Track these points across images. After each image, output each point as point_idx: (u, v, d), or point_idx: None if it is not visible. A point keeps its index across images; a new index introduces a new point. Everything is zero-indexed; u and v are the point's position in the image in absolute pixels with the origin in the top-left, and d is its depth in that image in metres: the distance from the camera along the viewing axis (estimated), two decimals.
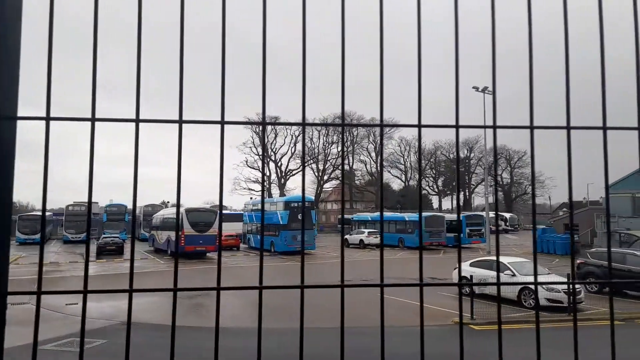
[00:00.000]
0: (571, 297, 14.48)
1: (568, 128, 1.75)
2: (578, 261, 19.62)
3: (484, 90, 33.84)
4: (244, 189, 74.27)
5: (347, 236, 42.87)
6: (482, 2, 1.79)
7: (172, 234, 32.88)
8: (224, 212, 43.96)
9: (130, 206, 52.99)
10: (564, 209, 54.40)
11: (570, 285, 14.26)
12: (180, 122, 1.31)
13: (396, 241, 40.59)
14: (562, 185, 76.40)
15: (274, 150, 77.14)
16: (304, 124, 1.46)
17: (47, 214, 49.82)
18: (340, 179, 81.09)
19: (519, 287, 15.47)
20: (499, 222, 65.39)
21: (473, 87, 34.35)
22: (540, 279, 14.97)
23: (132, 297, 1.22)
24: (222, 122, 1.38)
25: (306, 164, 78.23)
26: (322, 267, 26.90)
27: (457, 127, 1.73)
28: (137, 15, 1.24)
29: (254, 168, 75.47)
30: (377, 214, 49.49)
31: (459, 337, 1.49)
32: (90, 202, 1.08)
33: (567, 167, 1.90)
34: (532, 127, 1.71)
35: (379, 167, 78.76)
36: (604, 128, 1.77)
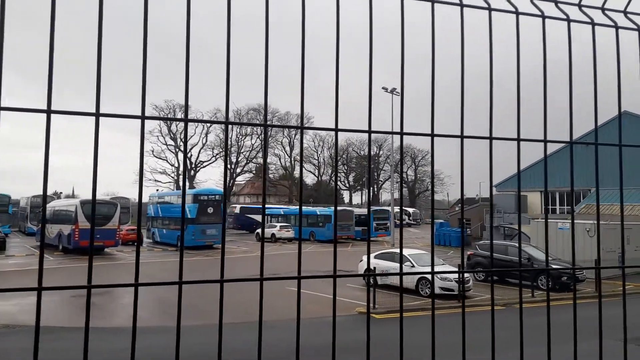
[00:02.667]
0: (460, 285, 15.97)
1: (462, 137, 1.97)
2: (468, 252, 21.69)
3: (392, 91, 35.65)
4: (150, 180, 70.26)
5: (259, 230, 42.64)
6: (400, 7, 1.92)
7: (64, 228, 30.02)
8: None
9: (14, 197, 47.22)
10: (460, 205, 59.72)
11: (460, 275, 15.70)
12: (98, 115, 1.25)
13: (307, 235, 41.32)
14: (459, 183, 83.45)
15: (183, 140, 73.83)
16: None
17: None
18: (253, 172, 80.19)
19: (417, 277, 16.70)
20: (403, 217, 69.28)
21: (382, 88, 36.01)
22: (436, 269, 16.30)
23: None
24: (143, 117, 1.33)
25: (218, 156, 76.16)
26: (231, 262, 26.49)
27: (369, 132, 1.86)
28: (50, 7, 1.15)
29: (160, 158, 71.64)
30: (290, 207, 49.88)
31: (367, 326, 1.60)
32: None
33: (459, 169, 2.13)
34: (432, 135, 1.89)
35: (293, 162, 79.25)
36: (490, 138, 2.01)
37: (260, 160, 79.30)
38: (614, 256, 19.80)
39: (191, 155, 74.65)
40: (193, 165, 74.72)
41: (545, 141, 2.20)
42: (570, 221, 23.39)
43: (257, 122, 71.44)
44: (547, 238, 1.89)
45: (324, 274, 1.58)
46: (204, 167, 75.33)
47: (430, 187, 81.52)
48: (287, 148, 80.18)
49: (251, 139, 76.56)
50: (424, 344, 4.00)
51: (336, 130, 1.75)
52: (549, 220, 24.26)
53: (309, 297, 13.03)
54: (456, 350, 1.73)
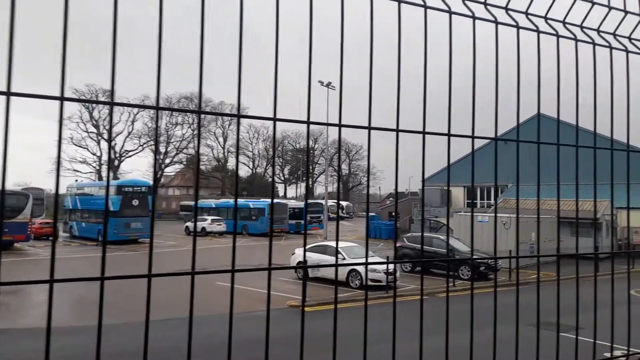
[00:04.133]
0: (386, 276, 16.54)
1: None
2: (397, 244, 22.55)
3: (327, 85, 35.97)
4: (68, 169, 65.24)
5: (188, 223, 41.28)
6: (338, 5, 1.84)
7: None
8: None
9: None
10: (391, 199, 61.89)
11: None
12: (8, 94, 1.06)
13: (240, 228, 40.68)
14: (390, 177, 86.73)
15: (106, 128, 69.30)
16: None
17: None
18: (184, 163, 77.30)
19: (348, 269, 17.05)
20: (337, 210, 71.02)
21: (319, 82, 36.20)
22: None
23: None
24: (62, 99, 1.14)
25: (146, 145, 72.38)
26: (160, 256, 25.37)
27: (308, 123, 1.77)
28: None
29: (81, 146, 66.74)
30: (221, 200, 48.75)
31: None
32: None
33: (392, 164, 2.12)
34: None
35: (261, 156, 77.26)
36: (424, 132, 2.01)
37: (192, 151, 76.64)
38: (526, 247, 21.60)
39: (115, 144, 70.32)
40: (117, 155, 70.45)
41: (472, 137, 2.25)
42: (490, 214, 25.09)
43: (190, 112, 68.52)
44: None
45: (223, 269, 1.47)
46: (129, 156, 71.27)
47: (361, 181, 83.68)
48: (221, 139, 78.19)
49: (182, 128, 73.64)
50: (352, 333, 4.04)
51: (274, 119, 1.65)
52: (469, 214, 25.86)
53: (240, 291, 12.81)
54: (383, 338, 1.71)
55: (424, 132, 2.00)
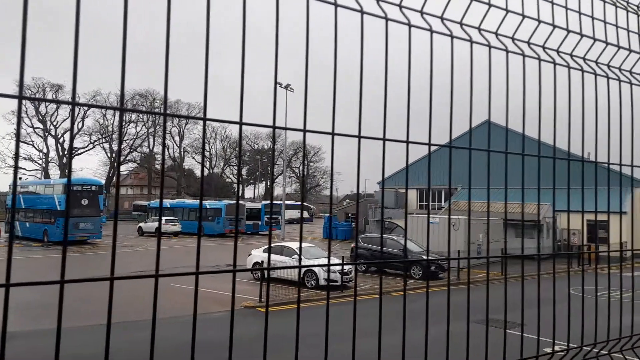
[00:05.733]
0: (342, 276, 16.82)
1: (333, 134, 2.07)
2: (352, 245, 22.94)
3: (286, 87, 36.00)
4: (12, 167, 61.36)
5: (141, 224, 40.06)
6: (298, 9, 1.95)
7: None
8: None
9: None
10: (347, 200, 62.55)
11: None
12: None
13: (196, 228, 39.96)
14: (347, 179, 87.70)
15: (54, 124, 65.99)
16: (204, 119, 1.33)
17: None
18: (137, 162, 74.75)
19: (304, 269, 17.21)
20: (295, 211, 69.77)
21: (277, 83, 36.14)
22: (321, 262, 16.94)
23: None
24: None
25: (97, 143, 69.44)
26: (109, 257, 24.42)
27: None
28: None
29: (26, 143, 63.13)
30: (177, 200, 47.56)
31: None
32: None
33: (348, 166, 2.25)
34: (303, 131, 1.96)
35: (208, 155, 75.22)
36: (359, 136, 2.15)
37: (146, 149, 74.30)
38: (474, 247, 22.54)
39: (64, 140, 67.02)
40: (66, 152, 67.10)
41: (407, 142, 2.42)
42: (440, 216, 25.97)
43: (144, 108, 66.48)
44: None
45: (145, 274, 1.55)
46: (79, 154, 68.16)
47: (319, 183, 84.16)
48: (177, 138, 76.24)
49: (136, 127, 71.23)
50: (305, 333, 4.14)
51: (204, 119, 1.73)
52: (421, 216, 26.66)
53: (192, 292, 12.61)
54: (333, 339, 1.82)
55: (359, 137, 2.14)
